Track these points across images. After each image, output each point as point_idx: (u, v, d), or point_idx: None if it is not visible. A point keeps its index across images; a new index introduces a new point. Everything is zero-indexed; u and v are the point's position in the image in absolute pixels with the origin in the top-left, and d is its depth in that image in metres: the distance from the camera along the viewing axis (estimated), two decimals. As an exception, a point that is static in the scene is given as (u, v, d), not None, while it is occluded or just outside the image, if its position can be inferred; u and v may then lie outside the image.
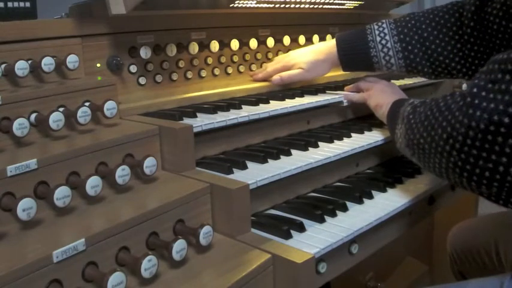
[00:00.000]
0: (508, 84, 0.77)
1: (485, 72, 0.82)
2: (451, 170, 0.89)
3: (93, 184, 0.90)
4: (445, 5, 1.35)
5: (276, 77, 1.46)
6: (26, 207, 0.79)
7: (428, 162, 0.96)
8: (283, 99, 1.37)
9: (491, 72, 0.80)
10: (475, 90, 0.82)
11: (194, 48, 1.46)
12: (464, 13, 1.28)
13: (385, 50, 1.36)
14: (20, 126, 0.95)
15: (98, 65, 1.27)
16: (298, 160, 1.15)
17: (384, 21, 1.39)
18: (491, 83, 0.80)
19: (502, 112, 0.77)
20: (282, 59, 1.52)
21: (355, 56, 1.41)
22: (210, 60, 1.51)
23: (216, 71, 1.53)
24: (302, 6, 1.68)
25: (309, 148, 1.25)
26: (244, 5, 1.52)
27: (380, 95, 1.35)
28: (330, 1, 1.70)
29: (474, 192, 0.89)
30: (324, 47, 1.46)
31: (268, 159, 1.15)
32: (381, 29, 1.37)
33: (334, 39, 1.44)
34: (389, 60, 1.37)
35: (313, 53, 1.46)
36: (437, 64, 1.33)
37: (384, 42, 1.36)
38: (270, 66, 1.53)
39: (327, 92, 1.49)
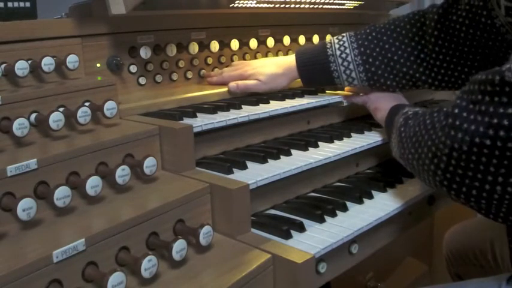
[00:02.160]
0: (488, 105, 0.76)
1: (466, 92, 0.81)
2: (439, 186, 0.89)
3: (93, 184, 0.90)
4: (407, 15, 1.32)
5: (232, 84, 1.40)
6: (26, 207, 0.79)
7: (419, 176, 0.97)
8: (283, 99, 1.37)
9: (471, 93, 0.80)
10: (456, 110, 0.81)
11: (194, 48, 1.46)
12: (427, 22, 1.25)
13: (346, 63, 1.32)
14: (20, 126, 0.95)
15: (98, 65, 1.27)
16: (298, 160, 1.15)
17: (344, 34, 1.35)
18: (472, 104, 0.79)
19: (483, 134, 0.76)
20: (240, 67, 1.46)
21: (315, 71, 1.36)
22: (210, 60, 1.51)
23: (216, 71, 1.53)
24: (302, 6, 1.68)
25: (309, 148, 1.25)
26: (244, 5, 1.52)
27: (378, 99, 1.34)
28: (330, 1, 1.70)
29: (465, 206, 0.90)
30: (284, 60, 1.42)
31: (268, 159, 1.15)
32: (341, 42, 1.33)
33: (294, 54, 1.40)
34: (350, 74, 1.33)
35: (272, 66, 1.41)
36: (401, 76, 1.29)
37: (344, 56, 1.32)
38: (226, 72, 1.46)
39: (327, 92, 1.49)
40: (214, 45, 1.50)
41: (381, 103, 1.31)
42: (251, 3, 1.52)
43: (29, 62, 1.09)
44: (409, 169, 1.04)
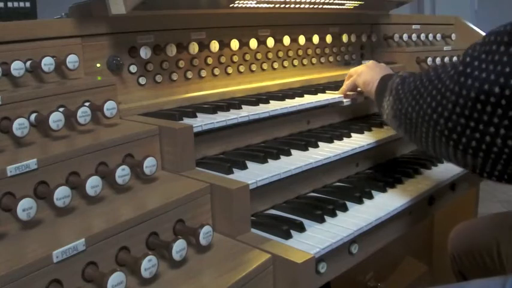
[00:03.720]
0: (502, 55, 0.77)
1: (480, 44, 0.82)
2: (437, 139, 0.89)
3: (93, 184, 0.90)
4: None
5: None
6: (26, 207, 0.79)
7: (415, 132, 0.96)
8: (283, 99, 1.37)
9: (485, 44, 0.81)
10: (468, 59, 0.82)
11: (194, 48, 1.46)
12: None
13: None
14: (20, 126, 0.95)
15: (98, 65, 1.27)
16: (298, 160, 1.15)
17: None
18: (485, 54, 0.80)
19: (493, 82, 0.77)
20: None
21: None
22: (210, 60, 1.51)
23: (216, 71, 1.53)
24: (302, 6, 1.68)
25: (309, 148, 1.25)
26: (244, 5, 1.52)
27: (368, 73, 1.35)
28: (330, 1, 1.70)
29: (459, 164, 0.89)
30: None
31: (268, 159, 1.15)
32: None
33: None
34: None
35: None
36: None
37: None
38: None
39: (327, 92, 1.49)
40: (214, 45, 1.50)
41: (371, 76, 1.32)
42: (251, 3, 1.52)
43: (29, 62, 1.09)
44: (401, 131, 1.03)
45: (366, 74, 1.36)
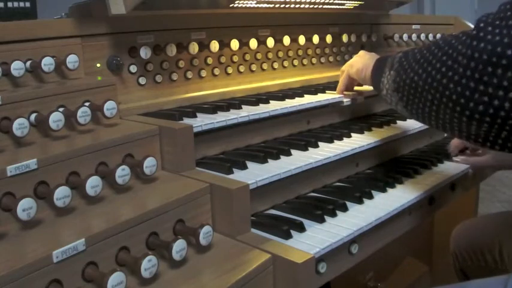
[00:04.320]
0: None
1: (494, 13, 0.83)
2: (442, 106, 0.89)
3: (93, 184, 0.90)
4: None
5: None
6: (26, 207, 0.79)
7: (418, 103, 0.96)
8: (283, 99, 1.37)
9: (501, 12, 0.82)
10: (481, 25, 0.83)
11: (194, 48, 1.46)
12: None
13: None
14: (20, 126, 0.95)
15: (98, 65, 1.27)
16: (298, 160, 1.15)
17: None
18: (499, 20, 0.81)
19: (506, 45, 0.78)
20: None
21: None
22: (210, 60, 1.51)
23: (216, 71, 1.53)
24: (302, 6, 1.67)
25: (309, 148, 1.25)
26: (244, 5, 1.52)
27: (359, 61, 1.35)
28: (330, 1, 1.70)
29: (461, 134, 0.89)
30: None
31: (268, 159, 1.15)
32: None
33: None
34: None
35: None
36: None
37: None
38: None
39: (327, 92, 1.49)
40: (214, 45, 1.50)
41: (363, 63, 1.32)
42: (251, 3, 1.52)
43: (29, 62, 1.09)
44: (401, 105, 1.02)
45: (357, 63, 1.36)
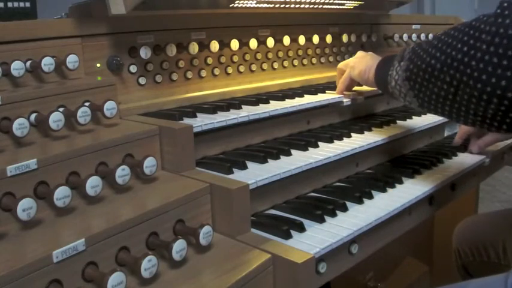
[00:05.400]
0: None
1: None
2: (462, 85, 0.88)
3: (93, 184, 0.90)
4: None
5: None
6: (26, 207, 0.79)
7: (433, 88, 0.95)
8: (283, 99, 1.37)
9: None
10: (505, 4, 0.83)
11: (194, 48, 1.46)
12: None
13: None
14: (20, 126, 0.95)
15: (98, 65, 1.27)
16: (298, 160, 1.15)
17: None
18: None
19: None
20: None
21: None
22: (210, 60, 1.51)
23: (216, 71, 1.53)
24: (302, 6, 1.67)
25: (309, 148, 1.25)
26: (244, 5, 1.52)
27: (361, 63, 1.34)
28: (330, 1, 1.70)
29: (475, 119, 0.89)
30: None
31: (268, 159, 1.15)
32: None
33: None
34: None
35: None
36: None
37: None
38: None
39: (327, 92, 1.49)
40: (214, 45, 1.50)
41: (365, 64, 1.31)
42: (251, 3, 1.52)
43: (29, 62, 1.09)
44: (411, 94, 1.01)
45: (359, 64, 1.35)
